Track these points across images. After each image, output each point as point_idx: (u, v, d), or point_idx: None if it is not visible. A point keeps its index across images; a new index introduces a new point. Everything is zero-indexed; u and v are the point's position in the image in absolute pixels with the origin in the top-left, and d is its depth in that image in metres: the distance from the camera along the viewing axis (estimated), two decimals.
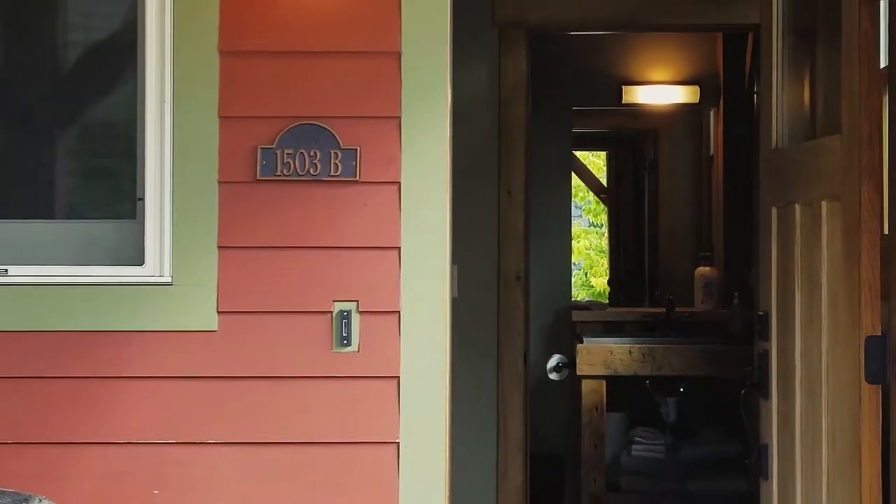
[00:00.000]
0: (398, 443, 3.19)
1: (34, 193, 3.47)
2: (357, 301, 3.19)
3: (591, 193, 15.98)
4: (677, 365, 6.76)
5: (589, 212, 18.58)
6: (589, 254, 18.15)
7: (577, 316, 7.59)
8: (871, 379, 3.32)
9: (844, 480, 3.41)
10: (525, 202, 5.66)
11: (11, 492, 2.74)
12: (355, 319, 3.19)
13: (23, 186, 3.44)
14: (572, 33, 6.90)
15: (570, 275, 8.28)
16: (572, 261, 10.19)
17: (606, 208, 12.52)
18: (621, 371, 6.88)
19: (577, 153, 11.14)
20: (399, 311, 3.20)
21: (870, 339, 3.32)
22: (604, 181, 12.00)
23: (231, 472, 3.18)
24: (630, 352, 6.86)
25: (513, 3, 5.39)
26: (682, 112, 8.25)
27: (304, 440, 3.19)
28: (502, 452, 5.70)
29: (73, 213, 3.38)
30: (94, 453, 3.14)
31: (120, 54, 3.30)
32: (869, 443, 3.30)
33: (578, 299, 10.52)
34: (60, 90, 3.45)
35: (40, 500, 2.67)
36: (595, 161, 14.29)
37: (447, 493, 3.24)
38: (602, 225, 16.81)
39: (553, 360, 7.06)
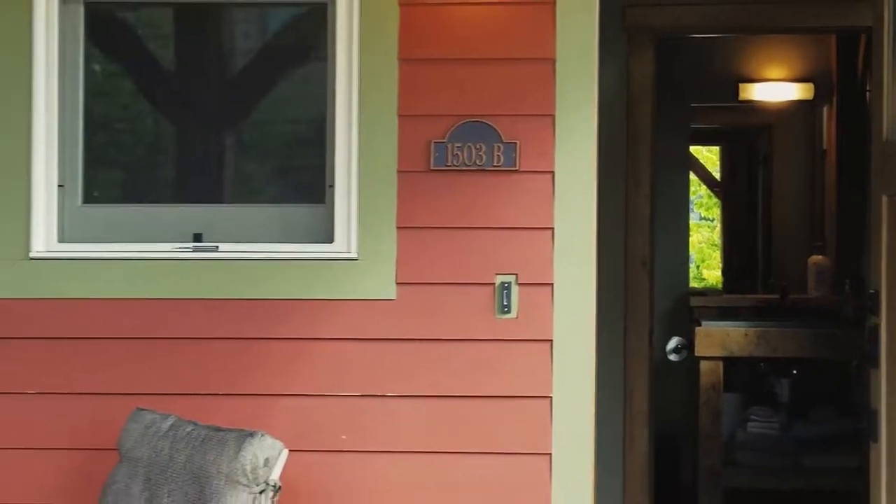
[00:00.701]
0: (551, 397, 3.67)
1: (241, 183, 4.02)
2: (516, 274, 3.68)
3: (702, 188, 16.29)
4: (790, 347, 7.13)
5: (701, 206, 18.87)
6: (701, 247, 18.44)
7: (694, 301, 8.01)
8: None
9: None
10: (650, 193, 6.12)
11: (237, 429, 3.28)
12: (514, 290, 3.68)
13: (232, 177, 3.99)
14: (693, 36, 7.30)
15: (688, 263, 8.69)
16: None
17: (719, 202, 12.87)
18: (737, 353, 7.27)
19: (692, 148, 11.54)
20: (552, 284, 3.68)
21: None
22: (717, 175, 12.34)
23: (407, 421, 3.69)
24: (746, 335, 7.25)
25: (640, 11, 5.84)
26: (797, 108, 8.59)
27: (469, 394, 3.69)
28: (628, 422, 6.15)
29: (273, 199, 3.91)
30: (292, 403, 3.67)
31: (313, 63, 3.83)
32: None
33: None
34: (261, 95, 3.99)
35: (262, 435, 3.20)
36: (708, 156, 14.64)
37: (593, 442, 3.72)
38: (714, 219, 17.09)
39: (672, 343, 7.49)
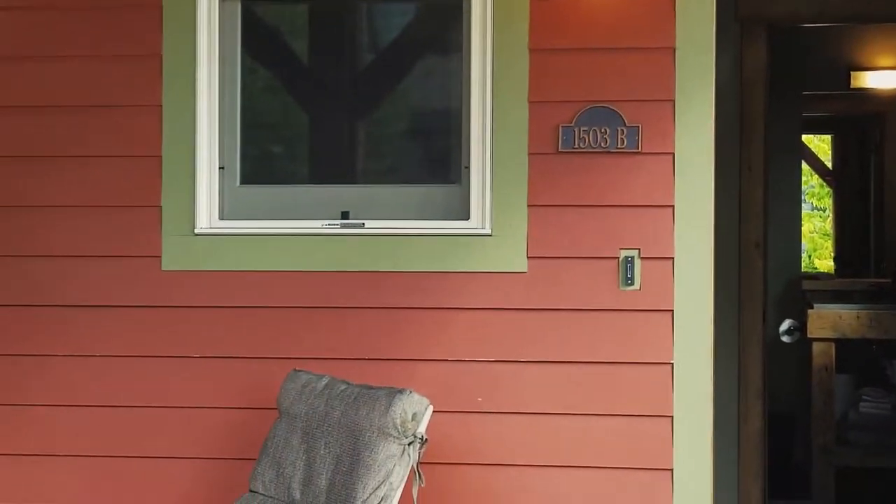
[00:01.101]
0: (672, 364, 3.95)
1: (383, 165, 4.35)
2: (639, 249, 3.96)
3: (813, 177, 16.32)
4: None
5: (812, 196, 18.88)
6: (812, 237, 18.47)
7: (807, 285, 8.20)
8: None
9: None
10: (763, 177, 6.35)
11: (387, 387, 3.61)
12: (637, 264, 3.96)
13: (375, 160, 4.32)
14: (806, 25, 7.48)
15: (801, 247, 8.87)
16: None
17: (831, 191, 12.95)
18: (849, 334, 7.44)
19: (804, 137, 11.67)
20: (673, 258, 3.96)
21: None
22: (828, 164, 12.43)
23: (537, 385, 3.99)
24: (857, 317, 7.42)
25: (755, 1, 6.07)
26: None
27: (595, 360, 3.98)
28: (743, 399, 6.37)
29: (413, 180, 4.23)
30: (432, 368, 3.99)
31: (449, 54, 4.15)
32: None
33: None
34: (400, 85, 4.32)
35: (410, 392, 3.52)
36: (820, 145, 14.71)
37: (712, 407, 3.99)
38: (825, 209, 17.12)
39: (785, 325, 7.69)
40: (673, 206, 3.96)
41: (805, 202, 19.21)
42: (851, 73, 8.40)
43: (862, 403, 7.76)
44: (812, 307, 7.54)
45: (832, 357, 7.55)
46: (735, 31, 6.00)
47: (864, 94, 8.81)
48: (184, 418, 4.10)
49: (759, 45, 6.22)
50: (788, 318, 7.71)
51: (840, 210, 11.69)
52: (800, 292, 8.10)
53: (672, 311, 3.96)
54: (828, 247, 16.03)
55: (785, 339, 7.67)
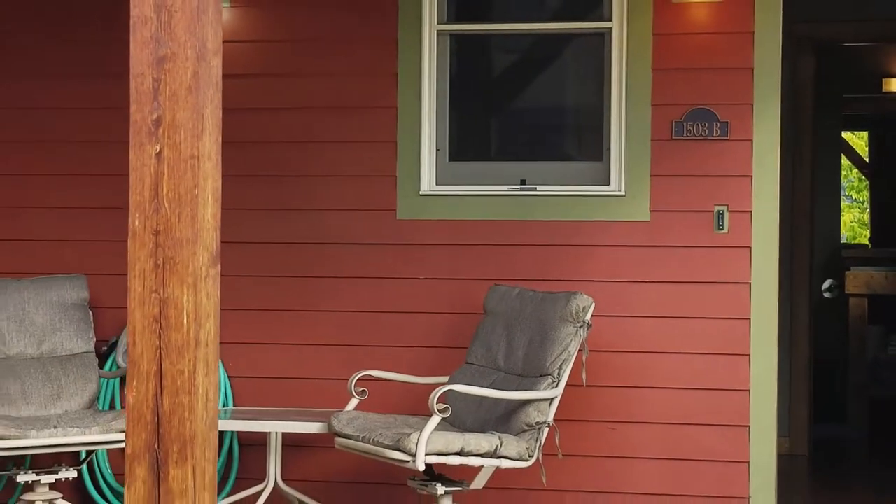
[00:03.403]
0: (750, 283, 5.74)
1: (552, 147, 6.17)
2: (727, 205, 5.76)
3: (853, 171, 17.89)
4: None
5: (851, 189, 20.47)
6: (853, 226, 20.05)
7: (846, 253, 9.92)
8: None
9: None
10: (811, 161, 8.11)
11: (563, 291, 5.43)
12: (726, 215, 5.76)
13: (545, 144, 6.15)
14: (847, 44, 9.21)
15: (840, 223, 10.60)
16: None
17: (868, 182, 14.57)
18: (879, 291, 9.16)
19: (845, 135, 13.35)
20: (751, 211, 5.75)
21: None
22: (866, 158, 14.03)
23: (656, 298, 5.78)
24: (886, 277, 9.13)
25: (806, 26, 7.81)
26: None
27: (697, 280, 5.77)
28: (795, 335, 8.09)
29: (570, 157, 6.06)
30: (584, 286, 5.74)
31: (594, 69, 5.97)
32: None
33: None
34: (562, 93, 6.16)
35: (580, 293, 5.33)
36: (859, 142, 16.30)
37: (777, 312, 5.78)
38: (864, 201, 18.69)
39: (827, 283, 9.46)
40: (751, 176, 5.76)
41: (845, 196, 20.89)
42: (883, 79, 10.11)
43: (889, 347, 9.48)
44: (849, 269, 9.24)
45: (865, 310, 9.24)
46: (790, 49, 7.77)
47: (892, 96, 10.51)
48: (411, 320, 5.95)
49: (808, 60, 8.02)
50: (829, 278, 9.46)
51: (875, 197, 13.33)
52: (840, 259, 9.80)
53: (750, 247, 5.76)
54: (866, 234, 17.49)
55: (826, 295, 9.43)
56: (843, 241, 19.15)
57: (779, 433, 6.76)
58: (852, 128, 14.20)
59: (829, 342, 9.49)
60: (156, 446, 3.81)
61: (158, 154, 3.82)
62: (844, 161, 14.66)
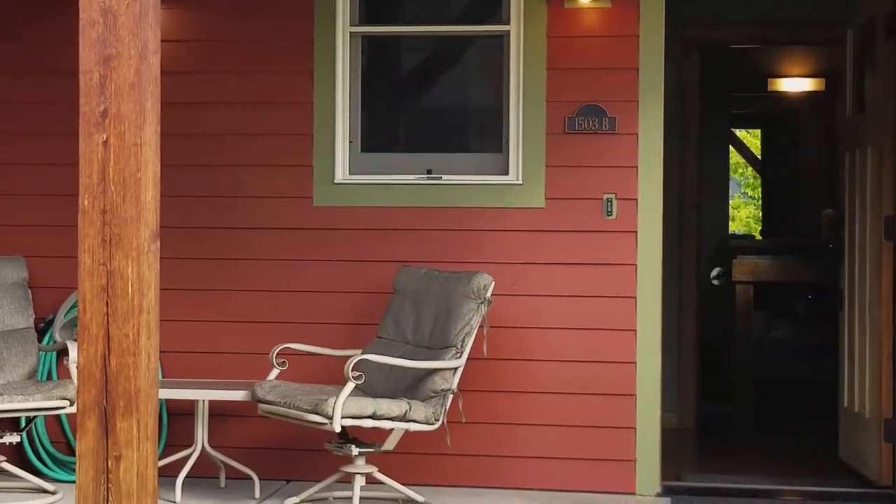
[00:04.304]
0: (636, 265, 6.32)
1: (454, 139, 6.70)
2: (615, 193, 6.33)
3: (748, 170, 18.59)
4: (803, 274, 9.59)
5: (747, 186, 21.26)
6: (748, 221, 20.83)
7: (733, 242, 10.53)
8: (885, 236, 6.36)
9: (874, 305, 6.49)
10: (698, 155, 8.71)
11: (465, 271, 5.97)
12: (615, 202, 6.33)
13: (449, 138, 6.68)
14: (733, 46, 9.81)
15: (728, 213, 11.22)
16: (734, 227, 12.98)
17: (760, 177, 15.23)
18: (764, 278, 9.71)
19: (738, 132, 14.03)
20: (637, 199, 6.33)
21: (887, 217, 6.36)
22: (759, 155, 14.69)
23: (550, 276, 6.33)
24: (771, 265, 9.69)
25: (692, 29, 8.40)
26: (813, 98, 11.04)
27: (587, 262, 6.33)
28: (683, 320, 8.67)
29: (473, 149, 6.60)
30: (485, 266, 6.28)
31: (497, 69, 6.51)
32: (885, 278, 6.34)
33: None
34: (465, 90, 6.70)
35: (481, 272, 5.87)
36: (753, 140, 17.01)
37: (661, 290, 6.36)
38: (758, 198, 19.42)
39: (715, 271, 10.04)
40: (637, 167, 6.33)
41: (741, 193, 21.70)
42: (768, 79, 10.77)
43: (773, 331, 10.11)
44: (737, 258, 9.81)
45: (751, 296, 9.79)
46: (678, 50, 8.37)
47: (780, 96, 11.16)
48: (327, 298, 6.45)
49: (695, 61, 8.63)
50: (718, 266, 10.05)
51: (766, 191, 14.00)
52: (728, 248, 10.39)
53: (636, 232, 6.33)
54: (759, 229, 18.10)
55: (715, 282, 10.01)
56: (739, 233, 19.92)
57: (668, 409, 7.39)
58: (745, 126, 14.88)
59: (718, 326, 10.03)
60: (104, 401, 4.30)
61: (105, 142, 4.31)
62: (742, 159, 15.37)
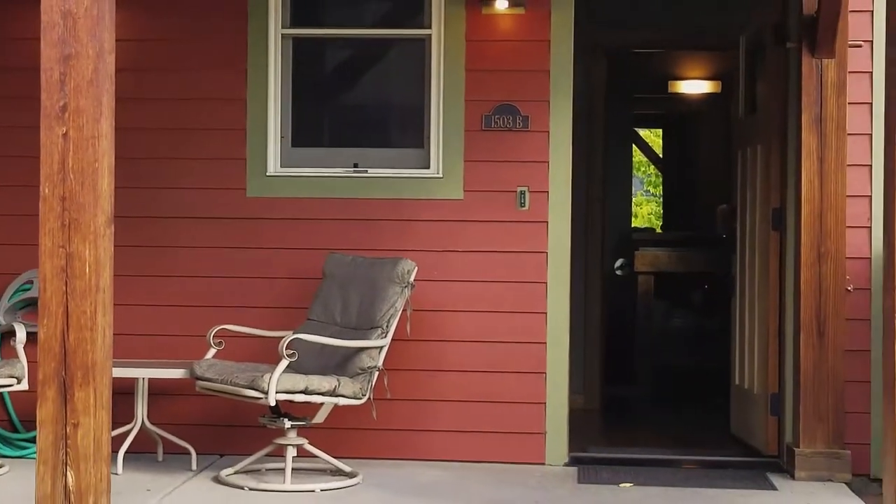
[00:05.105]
0: (546, 252, 6.83)
1: (379, 135, 7.15)
2: (528, 186, 6.83)
3: (651, 168, 19.17)
4: (700, 265, 10.16)
5: (650, 184, 21.89)
6: (650, 218, 21.46)
7: (635, 235, 11.08)
8: (773, 226, 6.94)
9: (763, 291, 7.06)
10: (604, 153, 9.25)
11: (389, 258, 6.43)
12: (527, 195, 6.83)
13: (374, 134, 7.13)
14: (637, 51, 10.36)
15: (631, 208, 11.78)
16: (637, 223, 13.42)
17: (661, 174, 15.80)
18: (663, 269, 10.26)
19: (642, 132, 14.56)
20: (547, 192, 6.84)
21: (774, 209, 6.94)
22: (661, 154, 15.25)
23: (470, 263, 6.81)
24: (670, 257, 10.26)
25: (599, 34, 8.91)
26: (711, 99, 11.61)
27: (502, 250, 6.83)
28: (589, 304, 9.20)
29: (396, 145, 7.06)
30: (408, 254, 6.71)
31: (419, 70, 6.97)
32: (773, 265, 6.91)
33: None
34: (390, 90, 7.16)
35: (405, 259, 6.34)
36: (656, 139, 17.61)
37: (569, 277, 6.87)
38: (660, 195, 20.03)
39: (618, 262, 10.58)
40: (548, 162, 6.85)
41: (644, 191, 22.36)
42: (669, 82, 11.33)
43: (673, 320, 10.65)
44: (638, 249, 10.36)
45: (652, 286, 10.35)
46: (586, 54, 8.89)
47: (680, 97, 11.72)
48: (260, 284, 6.88)
49: (601, 64, 9.18)
50: (621, 257, 10.59)
51: (666, 188, 14.58)
52: (631, 240, 10.92)
53: (547, 222, 6.84)
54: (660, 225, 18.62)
55: (618, 272, 10.54)
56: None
57: (575, 390, 7.90)
58: (648, 125, 15.45)
59: (621, 314, 10.56)
60: (63, 373, 4.71)
61: (65, 134, 4.73)
62: (645, 158, 15.93)
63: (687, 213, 12.69)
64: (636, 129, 13.82)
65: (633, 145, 13.14)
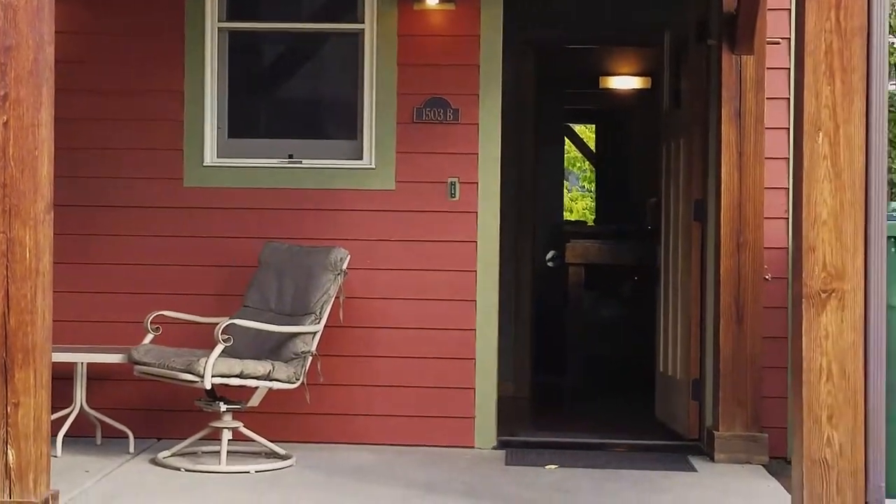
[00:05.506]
0: (476, 241, 7.04)
1: (314, 127, 7.33)
2: (458, 177, 7.03)
3: (586, 164, 19.46)
4: (629, 257, 10.37)
5: (585, 179, 22.21)
6: (585, 213, 21.78)
7: (566, 227, 11.31)
8: (695, 217, 7.18)
9: (685, 280, 7.31)
10: (535, 146, 9.47)
11: (323, 246, 6.61)
12: (457, 186, 7.03)
13: (309, 124, 7.30)
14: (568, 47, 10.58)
15: (563, 200, 12.01)
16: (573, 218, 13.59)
17: (594, 169, 16.06)
18: (593, 260, 10.46)
19: (577, 127, 14.80)
20: (477, 183, 7.04)
21: (696, 201, 7.18)
22: (593, 148, 15.50)
23: (400, 252, 7.01)
24: (600, 248, 10.46)
25: (529, 31, 9.13)
26: (642, 95, 11.85)
27: (434, 239, 7.02)
28: (519, 294, 9.41)
29: (330, 136, 7.24)
30: (342, 242, 6.91)
31: (353, 64, 7.15)
32: (695, 255, 7.16)
33: None
34: (325, 84, 7.34)
35: (338, 247, 6.52)
36: (591, 134, 17.88)
37: (498, 265, 7.08)
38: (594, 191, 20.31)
39: (549, 254, 10.79)
40: (477, 154, 7.05)
41: (580, 187, 22.67)
42: (600, 77, 11.56)
43: (602, 310, 10.88)
44: (569, 241, 10.56)
45: (582, 277, 10.53)
46: (517, 50, 9.09)
47: (611, 93, 11.95)
48: (197, 272, 7.03)
49: (531, 60, 9.39)
50: (552, 249, 10.80)
51: (600, 182, 14.83)
52: (562, 232, 11.13)
53: (476, 212, 7.05)
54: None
55: (550, 264, 10.75)
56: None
57: (505, 378, 8.12)
58: (582, 121, 15.71)
59: (553, 305, 10.76)
60: (4, 355, 4.87)
61: (6, 123, 4.88)
62: (582, 154, 16.16)
63: (619, 207, 12.95)
64: (571, 124, 14.09)
65: (568, 140, 13.39)
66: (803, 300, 4.76)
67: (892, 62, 10.04)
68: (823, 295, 4.74)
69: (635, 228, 10.85)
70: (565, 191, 21.50)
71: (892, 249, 5.91)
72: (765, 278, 6.81)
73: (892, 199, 7.68)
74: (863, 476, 4.76)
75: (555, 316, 10.64)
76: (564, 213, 12.24)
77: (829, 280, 4.73)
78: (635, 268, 10.66)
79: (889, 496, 5.04)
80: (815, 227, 4.74)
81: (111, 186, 7.08)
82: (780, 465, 6.79)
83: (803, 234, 4.76)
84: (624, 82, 11.51)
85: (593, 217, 19.12)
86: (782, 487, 6.22)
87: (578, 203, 22.25)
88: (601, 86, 11.63)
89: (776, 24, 6.93)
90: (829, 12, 4.72)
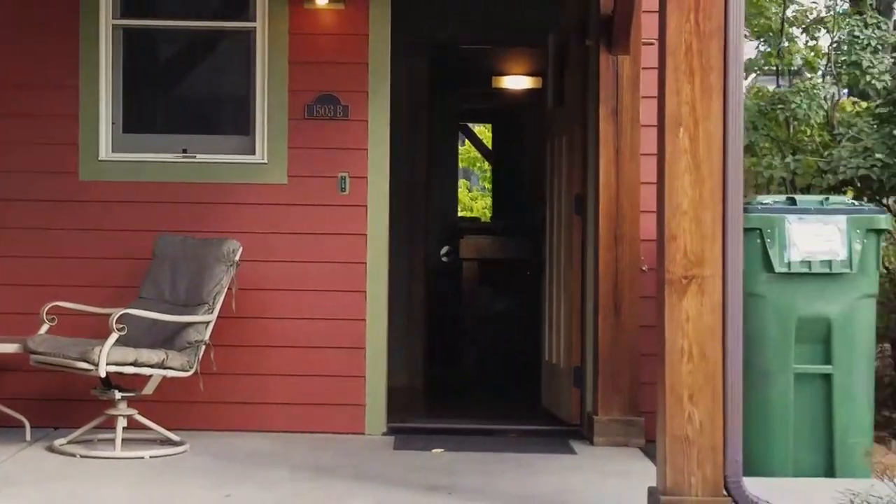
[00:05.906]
0: (366, 234, 7.27)
1: (208, 123, 7.50)
2: (348, 171, 7.27)
3: (485, 164, 19.69)
4: (522, 252, 10.63)
5: (485, 179, 22.48)
6: (484, 211, 22.05)
7: (461, 223, 11.55)
8: (576, 212, 7.48)
9: (567, 272, 7.59)
10: (428, 142, 9.70)
11: (216, 238, 6.80)
12: (348, 180, 7.26)
13: (203, 120, 7.48)
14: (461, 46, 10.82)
15: (457, 197, 12.24)
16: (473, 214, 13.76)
17: (491, 167, 16.30)
18: (487, 255, 10.73)
19: (476, 127, 15.00)
20: (367, 177, 7.28)
21: (577, 195, 7.48)
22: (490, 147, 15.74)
23: (292, 244, 7.21)
24: (493, 243, 10.74)
25: (421, 30, 9.37)
26: (533, 94, 12.11)
27: (325, 232, 7.24)
28: (412, 286, 9.65)
29: (224, 132, 7.43)
30: (235, 235, 7.12)
31: (244, 61, 7.34)
32: (576, 248, 7.45)
33: None
34: (217, 81, 7.53)
35: (231, 239, 6.71)
36: (488, 134, 18.14)
37: (387, 257, 7.32)
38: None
39: (444, 249, 11.03)
40: (367, 150, 7.29)
41: (479, 186, 22.95)
42: (493, 77, 11.81)
43: (496, 304, 11.14)
44: (463, 237, 10.82)
45: (476, 272, 10.81)
46: (410, 49, 9.33)
47: (504, 92, 12.18)
48: (92, 264, 7.19)
49: (423, 59, 9.64)
50: (447, 245, 11.05)
51: (496, 180, 15.08)
52: (457, 228, 11.38)
53: (366, 206, 7.29)
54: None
55: (444, 259, 11.00)
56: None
57: (397, 369, 8.35)
58: (478, 120, 15.96)
59: (447, 300, 10.98)
60: None
61: None
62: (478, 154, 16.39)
63: (514, 204, 13.22)
64: (468, 123, 14.35)
65: (466, 139, 13.62)
66: (665, 286, 5.05)
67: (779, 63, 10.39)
68: (684, 281, 5.03)
69: (527, 224, 11.12)
70: (466, 190, 21.82)
71: (758, 241, 6.26)
72: (642, 269, 7.11)
73: (757, 194, 8.06)
74: (721, 451, 5.07)
75: (449, 310, 10.89)
76: (464, 212, 12.45)
77: (690, 266, 5.03)
78: (527, 262, 10.95)
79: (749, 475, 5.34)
80: (676, 217, 5.03)
81: (8, 181, 7.20)
82: (655, 447, 7.09)
83: (665, 223, 5.05)
84: (516, 82, 11.74)
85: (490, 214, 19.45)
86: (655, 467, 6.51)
87: (478, 202, 22.52)
88: (494, 85, 11.86)
89: (652, 25, 7.14)
90: (689, 14, 5.03)
